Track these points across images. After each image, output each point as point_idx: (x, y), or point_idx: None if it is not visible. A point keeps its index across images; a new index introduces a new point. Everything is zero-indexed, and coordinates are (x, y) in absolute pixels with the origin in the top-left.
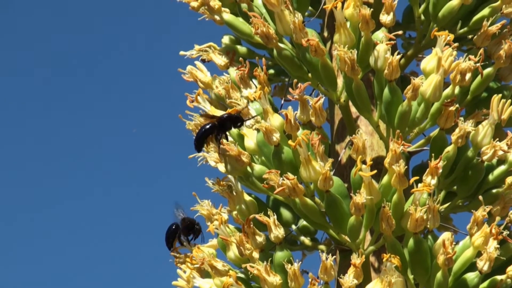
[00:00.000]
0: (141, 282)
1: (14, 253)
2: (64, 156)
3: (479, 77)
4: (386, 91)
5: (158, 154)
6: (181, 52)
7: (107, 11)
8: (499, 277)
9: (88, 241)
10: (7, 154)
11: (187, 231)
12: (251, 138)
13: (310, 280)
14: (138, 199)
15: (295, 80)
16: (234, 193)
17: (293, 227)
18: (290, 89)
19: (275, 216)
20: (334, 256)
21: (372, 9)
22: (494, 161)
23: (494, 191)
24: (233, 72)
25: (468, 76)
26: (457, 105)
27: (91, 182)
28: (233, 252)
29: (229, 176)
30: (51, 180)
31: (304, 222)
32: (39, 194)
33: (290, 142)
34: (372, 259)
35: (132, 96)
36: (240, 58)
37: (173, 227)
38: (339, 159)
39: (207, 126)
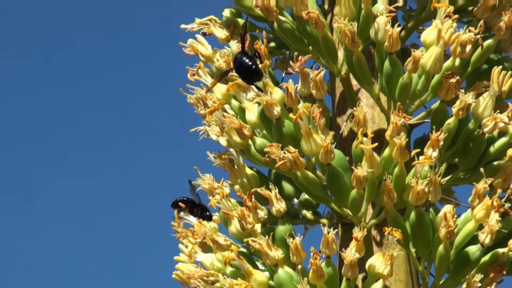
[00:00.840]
0: (143, 259)
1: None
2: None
3: (479, 49)
4: (386, 63)
5: (158, 128)
6: (182, 26)
7: None
8: (501, 250)
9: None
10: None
11: (196, 214)
12: (252, 112)
13: (312, 254)
14: (140, 174)
15: (295, 53)
16: (236, 167)
17: (295, 200)
18: (291, 62)
19: (277, 190)
20: (336, 230)
21: None
22: (495, 133)
23: (495, 163)
24: (234, 45)
25: (468, 48)
26: (458, 77)
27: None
28: (234, 226)
29: (231, 149)
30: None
31: (306, 196)
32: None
33: (291, 115)
34: (374, 232)
35: (131, 70)
36: (241, 31)
37: (186, 198)
38: (340, 132)
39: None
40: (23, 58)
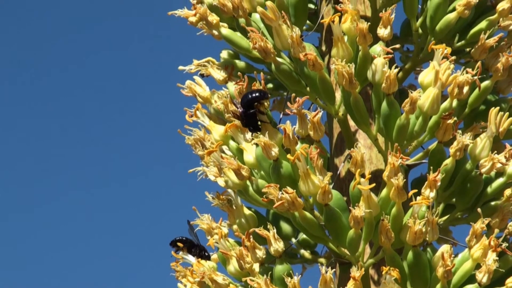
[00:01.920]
0: None
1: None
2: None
3: (476, 90)
4: (384, 104)
5: (158, 168)
6: (180, 67)
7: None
8: None
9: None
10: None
11: (195, 254)
12: (250, 153)
13: None
14: (137, 215)
15: (293, 94)
16: (234, 207)
17: (293, 240)
18: (289, 103)
19: (275, 230)
20: (334, 269)
21: (369, 23)
22: (493, 173)
23: (492, 203)
24: (232, 87)
25: (465, 89)
26: (455, 118)
27: (89, 199)
28: (233, 266)
29: (229, 190)
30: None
31: (304, 236)
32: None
33: (289, 156)
34: (371, 271)
35: (132, 109)
36: (239, 73)
37: (185, 238)
38: (338, 172)
39: (256, 93)
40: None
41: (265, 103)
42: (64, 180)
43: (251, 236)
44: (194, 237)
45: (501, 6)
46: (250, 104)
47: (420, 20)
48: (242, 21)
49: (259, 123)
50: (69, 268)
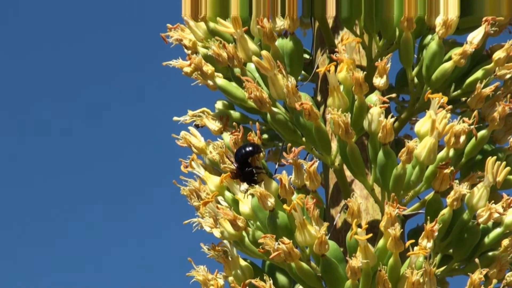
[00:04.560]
0: None
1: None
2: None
3: (473, 140)
4: (380, 154)
5: (152, 218)
6: (174, 118)
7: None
8: None
9: None
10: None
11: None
12: (245, 203)
13: None
14: (132, 265)
15: (289, 144)
16: (230, 258)
17: None
18: (284, 154)
19: (271, 281)
20: None
21: (365, 72)
22: (490, 223)
23: (490, 253)
24: (227, 137)
25: (462, 138)
26: (452, 168)
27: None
28: None
29: (225, 241)
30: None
31: (301, 287)
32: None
33: (285, 206)
34: None
35: (125, 157)
36: (234, 123)
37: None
38: (334, 223)
39: (249, 148)
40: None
41: (260, 155)
42: None
43: (247, 287)
44: None
45: (497, 55)
46: (245, 160)
47: (416, 69)
48: (237, 71)
49: (255, 177)
50: None
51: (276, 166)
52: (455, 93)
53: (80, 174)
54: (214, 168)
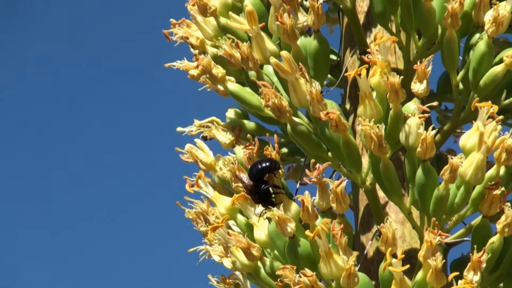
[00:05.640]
0: None
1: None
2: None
3: None
4: (419, 172)
5: (156, 247)
6: (178, 128)
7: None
8: None
9: None
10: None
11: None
12: (261, 229)
13: None
14: None
15: (312, 160)
16: None
17: None
18: (307, 171)
19: None
20: None
21: (402, 77)
22: None
23: None
24: (240, 151)
25: None
26: (503, 188)
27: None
28: None
29: (237, 272)
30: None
31: None
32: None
33: (307, 232)
34: None
35: (126, 164)
36: (248, 135)
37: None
38: (365, 252)
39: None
40: None
41: (279, 172)
42: None
43: None
44: None
45: None
46: (261, 176)
47: (461, 73)
48: (252, 74)
49: (273, 198)
50: None
51: (298, 186)
52: (507, 101)
53: (82, 179)
54: (224, 187)
